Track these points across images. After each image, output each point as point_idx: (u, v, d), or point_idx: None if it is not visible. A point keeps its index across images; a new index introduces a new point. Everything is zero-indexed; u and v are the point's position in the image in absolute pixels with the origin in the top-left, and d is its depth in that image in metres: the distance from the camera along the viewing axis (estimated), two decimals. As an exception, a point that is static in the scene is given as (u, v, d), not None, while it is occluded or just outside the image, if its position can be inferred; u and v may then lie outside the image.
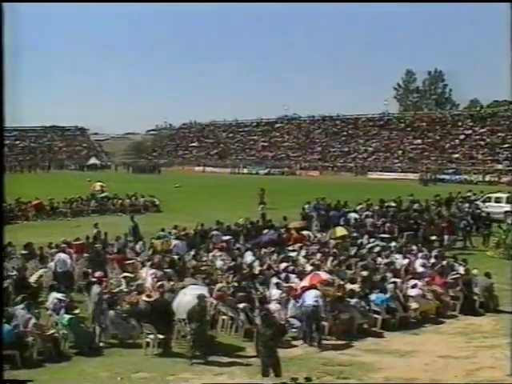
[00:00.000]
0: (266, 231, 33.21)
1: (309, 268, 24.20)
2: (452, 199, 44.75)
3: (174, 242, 30.38)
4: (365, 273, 23.89)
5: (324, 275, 21.96)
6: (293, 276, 23.02)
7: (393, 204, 41.71)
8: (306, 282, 20.93)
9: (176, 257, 27.47)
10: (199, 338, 18.02)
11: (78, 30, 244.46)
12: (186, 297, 19.20)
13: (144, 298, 20.83)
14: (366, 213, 38.95)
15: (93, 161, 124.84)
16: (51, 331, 18.88)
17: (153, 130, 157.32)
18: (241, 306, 20.44)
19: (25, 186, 66.92)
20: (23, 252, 28.73)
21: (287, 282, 22.23)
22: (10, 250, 28.62)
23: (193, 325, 18.11)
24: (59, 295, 21.25)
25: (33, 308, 19.64)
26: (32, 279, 24.67)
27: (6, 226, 43.18)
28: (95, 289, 21.37)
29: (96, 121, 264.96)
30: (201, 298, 18.42)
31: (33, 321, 18.60)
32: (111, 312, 19.94)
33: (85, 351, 18.71)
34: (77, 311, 19.93)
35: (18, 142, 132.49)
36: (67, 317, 19.28)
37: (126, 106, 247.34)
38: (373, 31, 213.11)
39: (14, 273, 25.22)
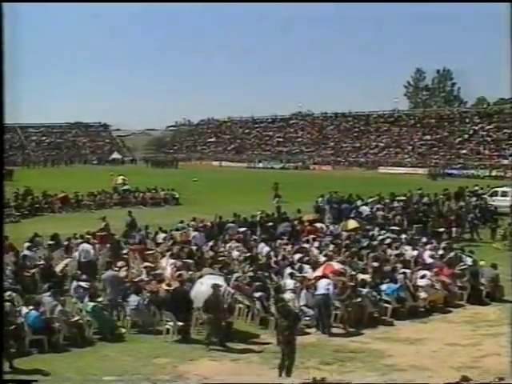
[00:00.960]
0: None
1: (322, 259, 24.23)
2: (460, 193, 44.61)
3: (193, 233, 30.50)
4: (376, 264, 23.90)
5: (337, 265, 21.97)
6: (307, 266, 23.02)
7: (403, 198, 41.65)
8: (319, 272, 20.95)
9: (194, 247, 27.58)
10: (215, 326, 18.13)
11: (98, 27, 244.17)
12: (203, 286, 19.27)
13: (164, 286, 20.96)
14: (377, 206, 38.93)
15: (115, 156, 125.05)
16: (76, 318, 19.03)
17: (172, 126, 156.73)
18: (257, 295, 20.50)
19: (50, 180, 67.43)
20: (49, 242, 28.94)
21: (301, 273, 22.24)
22: (38, 241, 28.82)
23: (208, 314, 18.22)
24: (83, 283, 21.42)
25: (58, 295, 19.82)
26: (58, 268, 24.86)
27: (34, 218, 43.67)
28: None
29: (118, 117, 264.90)
30: (215, 287, 18.52)
31: (59, 308, 18.75)
32: (134, 299, 20.07)
33: (108, 337, 18.86)
34: (100, 299, 20.08)
35: (44, 138, 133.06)
36: (91, 304, 19.41)
37: (146, 103, 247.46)
38: (384, 32, 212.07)
39: (41, 262, 25.45)
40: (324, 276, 20.26)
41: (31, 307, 18.33)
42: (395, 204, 39.84)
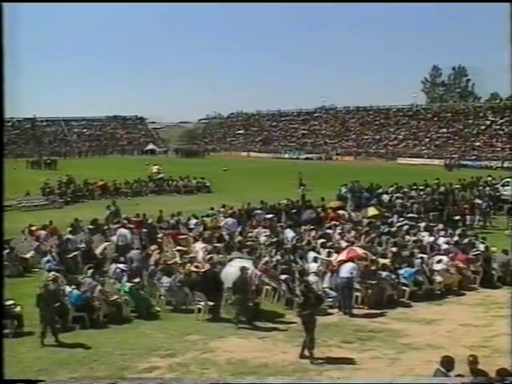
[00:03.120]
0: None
1: (344, 244, 24.13)
2: (474, 183, 44.30)
3: (227, 219, 30.41)
4: (394, 249, 23.80)
5: (360, 250, 21.96)
6: (332, 251, 22.95)
7: (421, 187, 41.43)
8: (343, 256, 20.89)
9: (225, 233, 27.64)
10: (243, 306, 18.19)
11: (127, 24, 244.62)
12: (232, 268, 19.35)
13: (196, 269, 21.07)
14: (396, 194, 38.76)
15: (150, 147, 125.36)
16: (114, 297, 19.20)
17: (204, 119, 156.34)
18: (283, 277, 20.55)
19: (91, 169, 67.88)
20: (90, 227, 29.19)
21: (328, 257, 22.15)
22: (79, 225, 29.09)
23: (237, 294, 18.30)
24: (121, 265, 21.61)
25: (98, 276, 20.03)
26: (97, 251, 25.09)
27: (75, 204, 44.04)
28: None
29: (153, 111, 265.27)
30: (243, 270, 18.57)
31: (98, 287, 18.95)
32: (166, 280, 20.22)
33: (144, 315, 19.03)
34: (137, 280, 20.21)
35: (85, 130, 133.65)
36: (128, 284, 19.59)
37: (180, 97, 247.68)
38: (403, 30, 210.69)
39: (82, 245, 25.70)
40: (348, 260, 20.25)
41: (73, 287, 18.58)
42: (413, 193, 39.64)
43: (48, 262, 23.57)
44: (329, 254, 22.39)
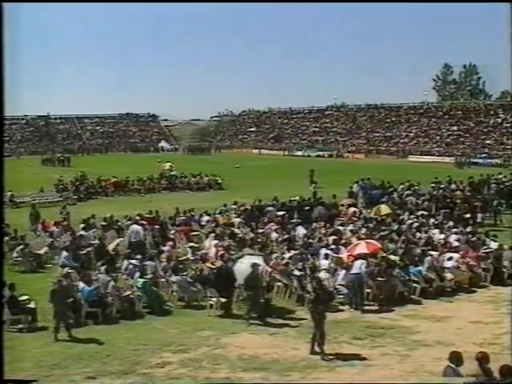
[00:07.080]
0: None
1: (355, 241, 24.05)
2: (484, 180, 44.08)
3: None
4: (405, 246, 23.75)
5: (379, 244, 21.92)
6: (342, 248, 22.92)
7: (432, 185, 41.34)
8: (363, 249, 20.85)
9: (236, 230, 27.63)
10: (254, 302, 18.20)
11: (141, 22, 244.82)
12: (243, 265, 19.39)
13: (208, 265, 21.11)
14: (407, 192, 38.65)
15: (162, 144, 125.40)
16: (127, 293, 19.26)
17: (216, 117, 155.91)
18: (294, 273, 20.53)
19: (103, 166, 68.02)
20: (103, 223, 29.26)
21: (337, 254, 22.10)
22: (92, 222, 29.20)
23: (248, 291, 18.31)
24: (134, 261, 21.65)
25: (111, 272, 20.09)
26: (110, 247, 25.16)
27: (89, 201, 44.20)
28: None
29: (166, 108, 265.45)
30: (254, 266, 18.58)
31: (111, 283, 19.02)
32: (177, 277, 20.25)
33: (156, 311, 19.08)
34: (149, 276, 20.26)
35: (98, 128, 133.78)
36: (141, 280, 19.64)
37: (192, 94, 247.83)
38: (414, 28, 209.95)
39: (95, 241, 25.77)
40: (366, 255, 20.29)
41: (87, 282, 18.64)
42: (423, 190, 39.58)
43: (67, 258, 23.43)
44: (337, 251, 22.37)
